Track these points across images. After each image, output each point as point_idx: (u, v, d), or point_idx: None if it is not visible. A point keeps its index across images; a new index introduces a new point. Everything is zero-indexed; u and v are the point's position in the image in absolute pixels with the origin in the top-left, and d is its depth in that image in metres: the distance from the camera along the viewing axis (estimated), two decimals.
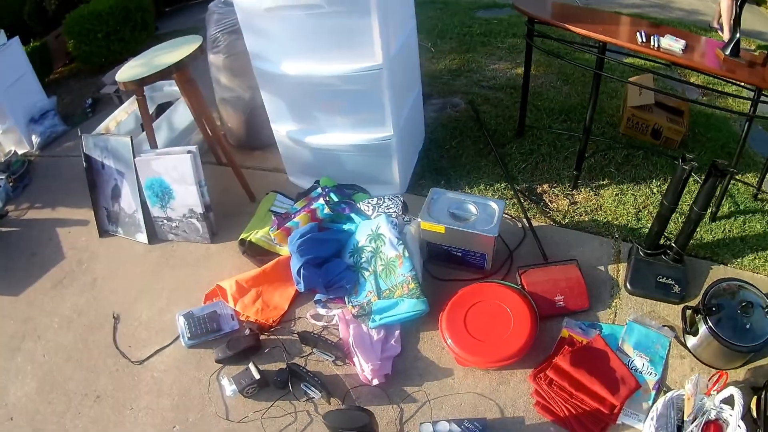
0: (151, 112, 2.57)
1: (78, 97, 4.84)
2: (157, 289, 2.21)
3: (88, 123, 4.31)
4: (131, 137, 2.27)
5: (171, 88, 2.83)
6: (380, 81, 1.84)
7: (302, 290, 1.90)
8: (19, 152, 4.13)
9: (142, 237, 2.44)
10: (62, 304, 2.46)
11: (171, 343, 2.02)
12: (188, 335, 1.94)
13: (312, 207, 2.32)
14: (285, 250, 2.16)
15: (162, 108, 2.89)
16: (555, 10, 2.13)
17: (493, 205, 1.90)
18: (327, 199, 2.23)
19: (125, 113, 2.85)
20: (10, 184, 3.92)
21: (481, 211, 1.87)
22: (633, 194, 2.36)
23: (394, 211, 1.95)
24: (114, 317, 2.21)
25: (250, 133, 2.68)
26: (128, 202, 2.45)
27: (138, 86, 2.01)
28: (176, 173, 2.19)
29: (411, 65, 2.24)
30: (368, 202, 2.33)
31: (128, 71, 2.07)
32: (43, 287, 2.62)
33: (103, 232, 2.68)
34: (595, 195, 2.34)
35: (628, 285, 1.84)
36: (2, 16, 4.86)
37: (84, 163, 2.50)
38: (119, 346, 2.10)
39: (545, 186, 2.44)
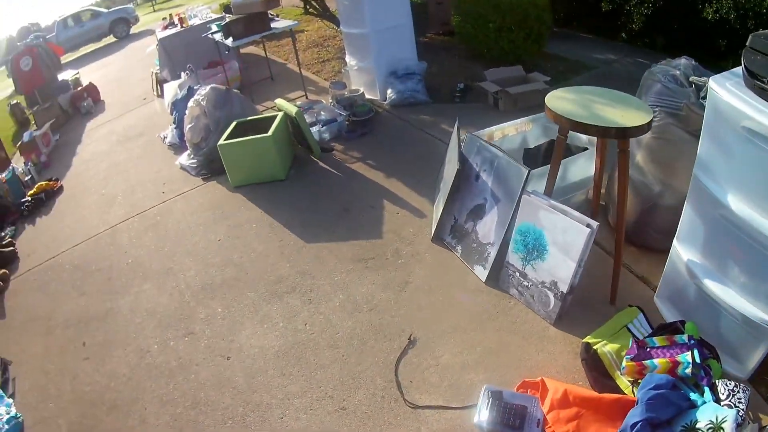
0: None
1: (447, 75, 5.30)
2: (473, 338, 2.24)
3: (452, 109, 4.58)
4: (529, 170, 2.26)
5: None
6: None
7: None
8: (369, 96, 4.62)
9: (481, 272, 2.45)
10: (355, 285, 2.75)
11: (459, 408, 1.91)
12: (486, 417, 1.82)
13: (676, 358, 1.96)
14: (624, 383, 2.03)
15: None
16: None
17: None
18: (693, 357, 1.91)
19: (514, 130, 2.93)
20: (347, 122, 4.64)
21: None
22: None
23: (743, 408, 1.83)
24: (410, 339, 2.24)
25: (637, 226, 2.45)
26: (487, 230, 2.49)
27: (568, 126, 1.97)
28: (562, 238, 2.15)
29: None
30: (726, 384, 1.91)
31: (561, 103, 2.05)
32: (342, 252, 3.06)
33: (437, 239, 2.81)
34: None
35: None
36: None
37: (458, 164, 2.60)
38: (399, 374, 2.15)
39: None
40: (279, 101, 4.39)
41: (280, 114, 4.09)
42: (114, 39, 16.22)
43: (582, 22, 6.11)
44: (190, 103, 4.44)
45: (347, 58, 5.15)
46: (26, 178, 5.63)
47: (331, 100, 4.86)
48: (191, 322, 2.80)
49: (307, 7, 8.17)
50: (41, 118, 7.61)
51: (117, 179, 4.97)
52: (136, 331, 2.87)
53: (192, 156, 4.53)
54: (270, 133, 3.79)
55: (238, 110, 4.44)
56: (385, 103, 4.72)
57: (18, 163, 6.16)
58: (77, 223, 4.42)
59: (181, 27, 6.95)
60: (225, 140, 3.88)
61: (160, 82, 7.20)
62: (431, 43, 6.21)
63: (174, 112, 5.19)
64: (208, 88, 4.40)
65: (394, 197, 3.42)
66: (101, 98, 8.33)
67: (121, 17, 16.10)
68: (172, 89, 6.09)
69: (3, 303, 3.69)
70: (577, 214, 2.17)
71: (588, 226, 2.11)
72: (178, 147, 5.08)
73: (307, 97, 5.44)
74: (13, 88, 9.21)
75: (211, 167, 4.36)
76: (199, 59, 6.56)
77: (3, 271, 4.12)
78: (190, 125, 4.40)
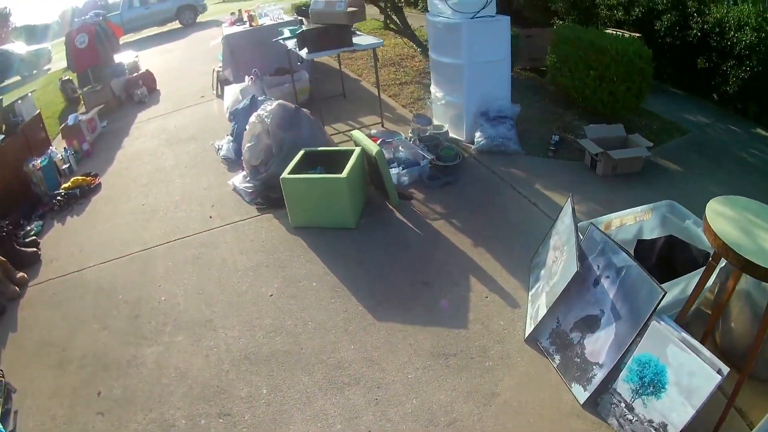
0: None
1: (538, 122, 5.04)
2: None
3: (545, 165, 4.30)
4: (665, 293, 2.10)
5: None
6: None
7: None
8: (453, 135, 4.42)
9: (580, 393, 2.37)
10: (433, 388, 2.52)
11: None
12: None
13: None
14: None
15: None
16: None
17: None
18: None
19: (633, 219, 2.83)
20: (429, 165, 4.31)
21: None
22: None
23: None
24: None
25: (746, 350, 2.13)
26: (598, 348, 2.36)
27: (736, 263, 1.82)
28: (687, 381, 2.04)
29: None
30: None
31: (724, 225, 1.90)
32: (418, 340, 2.84)
33: (531, 340, 2.65)
34: None
35: None
36: None
37: (577, 266, 2.35)
38: None
39: None
40: (356, 134, 4.15)
41: (357, 150, 3.84)
42: (179, 25, 16.66)
43: (674, 77, 5.93)
44: (253, 118, 4.27)
45: (432, 88, 4.93)
46: (64, 167, 5.59)
47: (411, 134, 4.65)
48: (229, 399, 2.52)
49: (387, 21, 8.08)
50: (90, 100, 7.71)
51: (160, 188, 4.87)
52: (161, 394, 2.63)
53: (248, 179, 4.36)
54: (344, 174, 3.53)
55: (306, 135, 4.24)
56: (472, 147, 4.49)
57: (58, 148, 6.12)
58: (110, 233, 4.30)
59: (250, 25, 6.95)
60: (290, 173, 3.64)
61: (221, 82, 7.18)
62: (518, 79, 6.00)
63: (233, 123, 5.05)
64: (274, 104, 4.22)
65: (482, 274, 3.10)
66: (157, 87, 8.41)
67: (189, 4, 16.62)
68: (232, 93, 6.03)
69: (16, 312, 3.58)
70: (708, 354, 2.02)
71: (719, 372, 1.97)
72: (232, 163, 4.95)
73: (383, 125, 5.20)
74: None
75: (268, 197, 4.17)
76: (266, 64, 6.51)
77: (22, 274, 4.00)
78: (249, 144, 4.22)
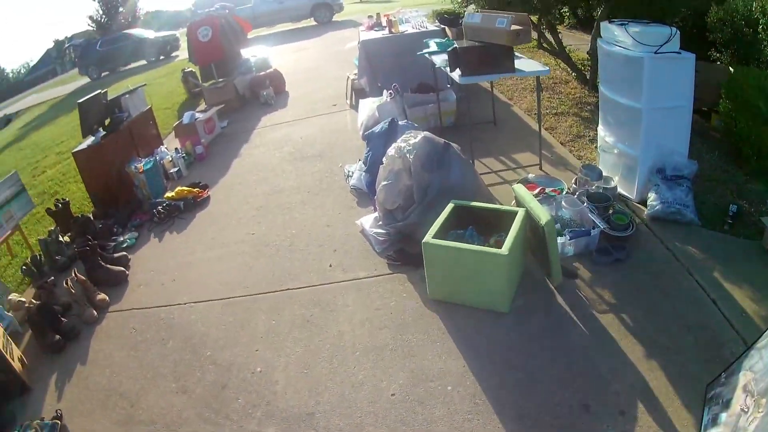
0: None
1: (709, 180, 4.24)
2: None
3: (723, 243, 3.58)
4: None
5: None
6: None
7: None
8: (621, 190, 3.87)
9: None
10: None
11: None
12: None
13: None
14: None
15: None
16: None
17: None
18: None
19: None
20: (569, 238, 3.56)
21: None
22: None
23: None
24: None
25: None
26: None
27: None
28: None
29: None
30: None
31: None
32: None
33: None
34: None
35: None
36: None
37: None
38: None
39: None
40: (519, 190, 3.53)
41: (521, 215, 3.25)
42: (314, 23, 17.05)
43: None
44: (392, 151, 3.80)
45: (600, 130, 4.29)
46: (172, 170, 5.48)
47: (574, 184, 4.05)
48: None
49: (541, 41, 7.48)
50: (211, 97, 7.76)
51: (275, 216, 4.57)
52: None
53: (380, 223, 3.93)
54: (505, 250, 2.94)
55: (456, 178, 3.75)
56: (645, 212, 3.86)
57: (170, 147, 6.05)
58: (210, 265, 4.05)
59: (390, 32, 6.72)
60: (435, 234, 3.14)
61: (356, 91, 6.89)
62: None
63: (367, 150, 4.61)
64: (419, 136, 3.75)
65: (652, 401, 2.49)
66: (286, 89, 8.33)
67: (325, 2, 17.06)
68: (368, 108, 5.76)
69: (89, 341, 3.47)
70: None
71: None
72: (362, 196, 4.57)
73: (541, 168, 4.59)
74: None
75: (404, 251, 3.69)
76: (407, 77, 6.18)
77: (102, 296, 3.85)
78: (385, 182, 3.78)
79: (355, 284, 3.55)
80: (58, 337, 3.47)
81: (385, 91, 5.68)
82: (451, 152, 3.82)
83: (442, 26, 6.39)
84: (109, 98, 5.59)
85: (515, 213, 3.27)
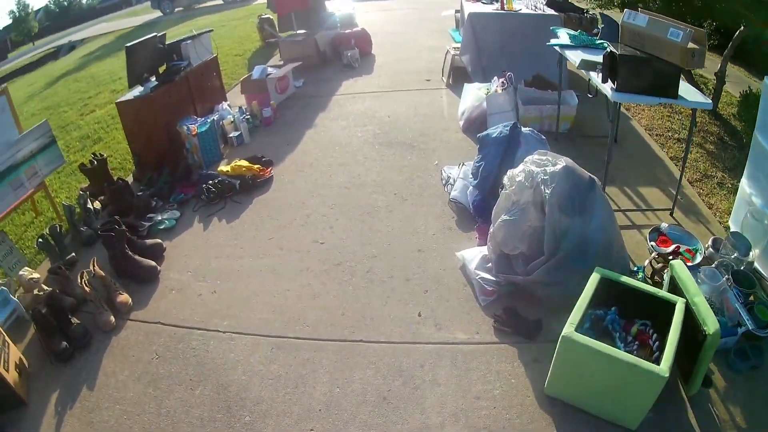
0: None
1: None
2: None
3: None
4: None
5: None
6: None
7: None
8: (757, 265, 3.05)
9: None
10: None
11: None
12: None
13: None
14: None
15: None
16: None
17: None
18: None
19: None
20: None
21: None
22: None
23: None
24: None
25: None
26: None
27: None
28: None
29: None
30: None
31: None
32: None
33: None
34: None
35: None
36: None
37: None
38: None
39: None
40: (679, 270, 2.68)
41: (680, 307, 2.42)
42: None
43: None
44: (520, 174, 2.88)
45: (746, 185, 3.32)
46: (232, 134, 4.69)
47: (711, 248, 3.17)
48: None
49: None
50: (288, 50, 7.01)
51: (352, 222, 3.68)
52: None
53: (490, 266, 3.00)
54: (665, 370, 2.13)
55: (597, 228, 2.78)
56: None
57: (234, 105, 5.18)
58: (260, 283, 3.22)
59: (502, 8, 5.76)
60: (577, 325, 2.21)
61: (455, 68, 6.00)
62: None
63: (479, 157, 3.59)
64: (559, 165, 2.79)
65: None
66: (372, 52, 7.32)
67: None
68: (472, 94, 4.86)
69: (102, 358, 2.81)
70: None
71: None
72: (464, 214, 3.63)
73: (672, 214, 3.59)
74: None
75: (516, 314, 2.78)
76: (519, 65, 5.24)
77: (124, 297, 3.16)
78: (507, 217, 2.89)
79: (451, 352, 2.66)
80: (65, 344, 2.82)
81: (496, 78, 4.65)
82: (596, 192, 2.86)
83: (555, 12, 5.56)
84: (167, 42, 4.75)
85: (673, 304, 2.46)
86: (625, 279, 2.59)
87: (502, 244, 2.92)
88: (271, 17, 8.58)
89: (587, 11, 6.61)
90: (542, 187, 2.75)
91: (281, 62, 7.03)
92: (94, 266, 3.14)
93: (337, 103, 5.74)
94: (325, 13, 7.90)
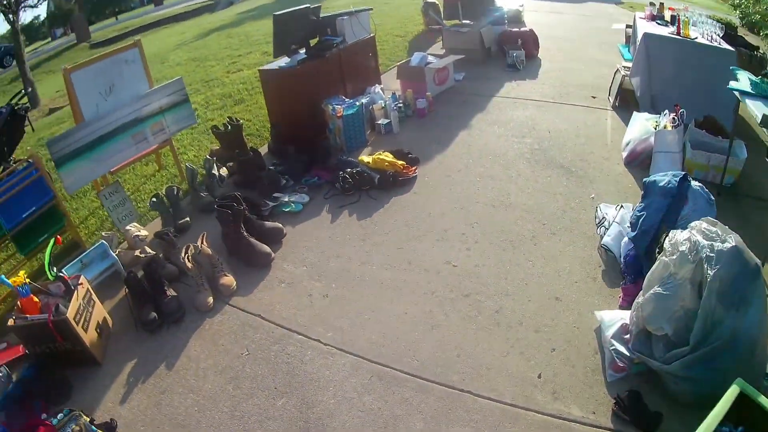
0: None
1: None
2: None
3: None
4: None
5: None
6: None
7: None
8: None
9: None
10: None
11: None
12: None
13: None
14: None
15: None
16: None
17: None
18: None
19: None
20: None
21: None
22: None
23: None
24: None
25: None
26: None
27: None
28: None
29: None
30: None
31: None
32: None
33: None
34: None
35: None
36: None
37: None
38: None
39: None
40: None
41: None
42: None
43: None
44: (684, 243, 2.33)
45: None
46: (381, 122, 4.43)
47: None
48: None
49: None
50: (451, 40, 6.74)
51: (491, 248, 3.22)
52: None
53: (627, 338, 2.49)
54: None
55: (751, 326, 2.28)
56: None
57: (388, 89, 4.92)
58: (380, 295, 2.90)
59: (678, 33, 5.02)
60: None
61: (623, 90, 5.33)
62: None
63: (641, 205, 2.97)
64: (729, 243, 2.27)
65: None
66: (537, 55, 6.70)
67: None
68: (640, 125, 4.20)
69: (189, 339, 2.68)
70: None
71: None
72: (613, 266, 3.06)
73: None
74: None
75: (640, 402, 2.29)
76: (691, 101, 4.44)
77: (228, 280, 2.99)
78: (659, 289, 2.36)
79: (560, 428, 2.21)
80: (154, 315, 2.69)
81: (667, 112, 4.04)
82: (759, 282, 2.33)
83: (731, 47, 4.78)
84: (321, 15, 4.51)
85: None
86: (764, 401, 2.08)
87: (647, 320, 2.40)
88: (437, 2, 8.24)
89: (758, 49, 5.77)
90: (705, 266, 2.25)
91: (442, 51, 6.69)
92: (202, 242, 2.91)
93: (497, 105, 5.24)
94: (493, 7, 7.40)
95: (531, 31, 7.02)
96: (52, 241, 2.77)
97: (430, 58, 5.48)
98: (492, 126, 4.75)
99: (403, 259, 3.12)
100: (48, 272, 2.65)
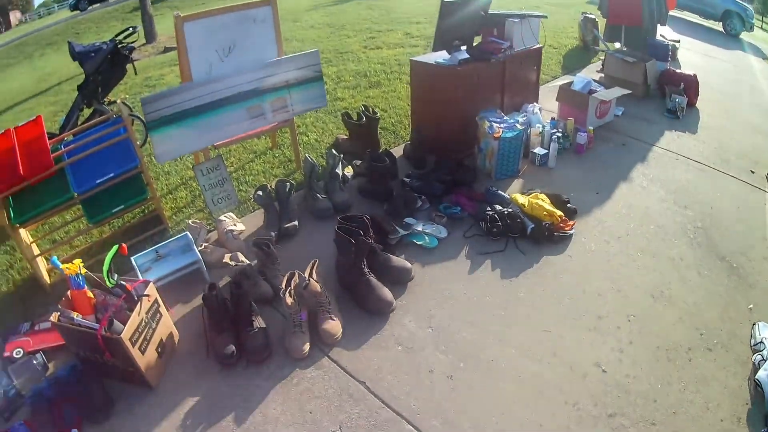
0: None
1: None
2: None
3: None
4: None
5: None
6: None
7: None
8: None
9: None
10: None
11: None
12: None
13: None
14: None
15: None
16: None
17: None
18: None
19: None
20: None
21: None
22: None
23: None
24: None
25: None
26: None
27: None
28: None
29: None
30: None
31: None
32: None
33: None
34: None
35: None
36: None
37: None
38: None
39: None
40: None
41: None
42: (720, 29, 13.64)
43: None
44: None
45: None
46: (537, 151, 3.80)
47: None
48: None
49: None
50: (614, 67, 5.94)
51: (645, 354, 2.52)
52: None
53: None
54: None
55: None
56: None
57: (545, 110, 4.39)
58: (518, 386, 2.29)
59: None
60: None
61: None
62: None
63: None
64: None
65: None
66: (696, 104, 5.80)
67: (736, 11, 13.15)
68: None
69: (268, 389, 2.16)
70: None
71: None
72: (759, 406, 2.36)
73: None
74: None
75: None
76: None
77: (332, 326, 2.51)
78: None
79: None
80: (233, 349, 2.14)
81: None
82: None
83: None
84: (489, 12, 3.78)
85: None
86: None
87: None
88: (597, 19, 7.35)
89: None
90: None
91: (599, 75, 5.97)
92: (311, 273, 2.24)
93: (658, 158, 4.41)
94: (654, 40, 6.51)
95: (694, 76, 6.10)
96: (114, 247, 2.19)
97: (595, 85, 4.67)
98: (653, 184, 3.94)
99: (549, 348, 2.43)
100: (107, 279, 2.09)
